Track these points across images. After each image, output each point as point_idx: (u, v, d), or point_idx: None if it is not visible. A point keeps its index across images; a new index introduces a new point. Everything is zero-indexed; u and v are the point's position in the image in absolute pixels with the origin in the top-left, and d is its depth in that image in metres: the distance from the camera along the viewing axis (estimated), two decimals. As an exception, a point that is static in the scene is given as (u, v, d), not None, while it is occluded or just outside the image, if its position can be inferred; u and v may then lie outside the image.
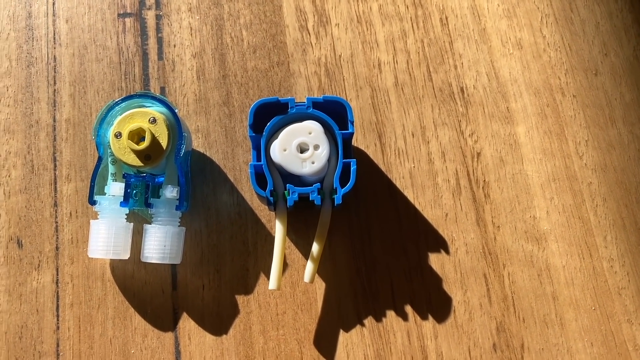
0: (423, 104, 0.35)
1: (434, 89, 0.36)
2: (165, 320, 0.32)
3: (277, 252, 0.30)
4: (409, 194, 0.34)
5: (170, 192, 0.31)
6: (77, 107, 0.35)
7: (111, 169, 0.32)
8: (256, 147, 0.31)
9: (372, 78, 0.36)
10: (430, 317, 0.32)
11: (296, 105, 0.31)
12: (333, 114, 0.31)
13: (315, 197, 0.30)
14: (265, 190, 0.30)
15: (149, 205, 0.31)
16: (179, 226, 0.31)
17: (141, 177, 0.31)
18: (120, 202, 0.31)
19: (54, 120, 0.35)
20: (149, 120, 0.31)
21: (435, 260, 0.33)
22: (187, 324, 0.32)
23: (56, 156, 0.34)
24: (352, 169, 0.30)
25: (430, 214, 0.34)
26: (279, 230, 0.30)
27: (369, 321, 0.32)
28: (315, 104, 0.31)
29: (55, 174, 0.34)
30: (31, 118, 0.35)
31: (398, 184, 0.34)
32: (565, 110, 0.35)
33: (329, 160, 0.30)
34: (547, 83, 0.36)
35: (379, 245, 0.33)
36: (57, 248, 0.33)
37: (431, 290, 0.32)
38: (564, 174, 0.34)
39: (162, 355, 0.31)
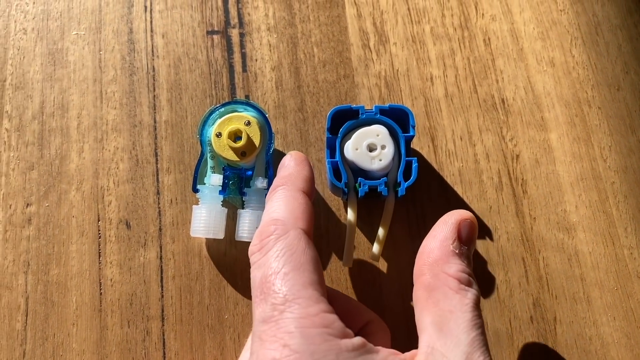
0: (469, 113, 0.41)
1: (478, 99, 0.41)
2: (253, 291, 0.37)
3: (350, 234, 0.36)
4: (458, 189, 0.39)
5: (261, 183, 0.37)
6: (174, 111, 0.41)
7: (210, 163, 0.37)
8: (330, 147, 0.37)
9: (425, 89, 0.41)
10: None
11: (366, 112, 0.36)
12: (396, 119, 0.37)
13: (382, 188, 0.35)
14: (340, 182, 0.35)
15: (242, 193, 0.37)
16: (266, 211, 0.37)
17: (236, 170, 0.37)
18: (219, 191, 0.37)
19: (155, 121, 0.41)
20: (245, 122, 0.36)
21: (481, 245, 0.38)
22: (271, 294, 0.37)
23: (157, 152, 0.40)
24: (413, 165, 0.35)
25: (476, 206, 0.39)
26: (350, 215, 0.36)
27: (425, 295, 0.37)
28: (382, 111, 0.36)
29: (157, 167, 0.40)
30: (135, 119, 0.41)
31: (449, 180, 0.40)
32: (592, 120, 0.41)
33: (393, 158, 0.36)
34: (575, 96, 0.41)
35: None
36: (160, 229, 0.39)
37: (477, 270, 0.38)
38: (590, 175, 0.40)
39: (251, 319, 0.37)
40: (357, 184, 0.36)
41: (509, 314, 0.37)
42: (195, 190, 0.37)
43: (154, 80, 0.42)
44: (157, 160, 0.40)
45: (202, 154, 0.37)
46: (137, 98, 0.41)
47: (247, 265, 0.37)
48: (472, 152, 0.40)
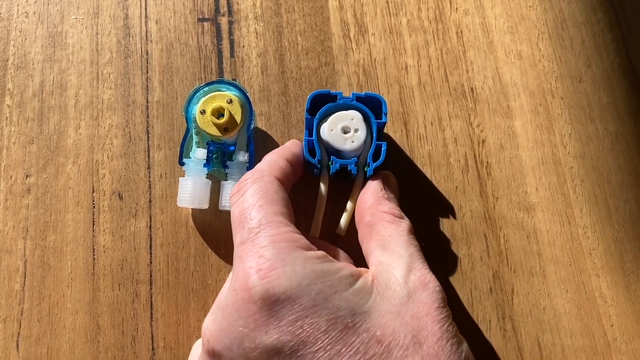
0: (440, 100, 0.44)
1: (449, 88, 0.44)
2: (234, 260, 0.40)
3: (319, 207, 0.37)
4: (427, 171, 0.42)
5: (243, 157, 0.39)
6: (166, 92, 0.44)
7: (195, 138, 0.40)
8: (309, 128, 0.40)
9: (400, 78, 0.44)
10: (441, 266, 0.40)
11: (343, 98, 0.39)
12: (371, 106, 0.39)
13: (352, 167, 0.38)
14: (314, 159, 0.38)
15: (225, 166, 0.40)
16: (248, 186, 0.40)
17: (219, 145, 0.40)
18: (204, 164, 0.39)
19: (147, 101, 0.43)
20: (227, 101, 0.39)
21: (447, 222, 0.41)
22: (251, 263, 0.40)
23: (149, 130, 0.43)
24: (382, 149, 0.38)
25: (443, 186, 0.42)
26: (322, 189, 0.38)
27: (393, 266, 0.40)
28: (358, 98, 0.39)
29: (148, 143, 0.42)
30: (128, 99, 0.43)
31: (419, 163, 0.42)
32: (554, 109, 0.44)
33: (365, 141, 0.38)
34: (540, 87, 0.44)
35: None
36: (150, 201, 0.41)
37: (442, 245, 0.41)
38: (551, 159, 0.43)
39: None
40: (329, 162, 0.38)
41: (470, 285, 0.40)
42: (182, 163, 0.39)
43: (147, 63, 0.44)
44: (148, 137, 0.43)
45: (188, 130, 0.40)
46: (131, 79, 0.44)
47: (230, 235, 0.40)
48: (442, 137, 0.43)
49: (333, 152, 0.39)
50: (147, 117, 0.43)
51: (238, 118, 0.39)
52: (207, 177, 0.40)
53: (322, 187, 0.38)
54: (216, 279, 0.40)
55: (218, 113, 0.39)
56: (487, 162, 0.42)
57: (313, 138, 0.38)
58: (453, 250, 0.40)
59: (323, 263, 0.31)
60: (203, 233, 0.40)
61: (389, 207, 0.36)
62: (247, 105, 0.40)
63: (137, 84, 0.44)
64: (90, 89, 0.44)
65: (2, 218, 0.40)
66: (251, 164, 0.40)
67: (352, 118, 0.38)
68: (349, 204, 0.38)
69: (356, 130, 0.38)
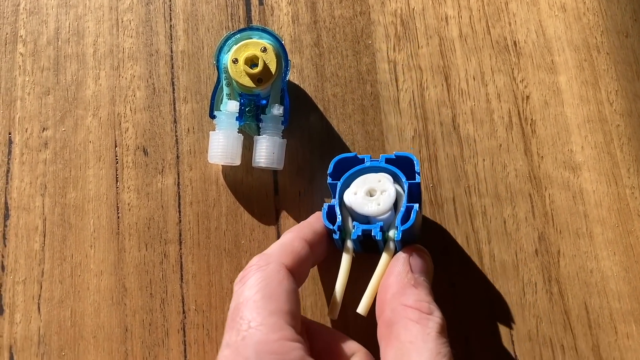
0: (482, 53, 0.41)
1: (491, 41, 0.41)
2: (269, 218, 0.38)
3: (340, 284, 0.32)
4: (469, 128, 0.40)
5: (277, 110, 0.37)
6: (191, 41, 0.40)
7: (226, 90, 0.37)
8: (333, 195, 0.35)
9: (440, 29, 0.41)
10: (485, 226, 0.38)
11: (371, 161, 0.34)
12: (403, 167, 0.34)
13: (377, 232, 0.31)
14: (333, 225, 0.32)
15: (259, 120, 0.37)
16: (282, 138, 0.37)
17: (252, 97, 0.37)
18: (236, 117, 0.37)
19: (171, 51, 0.40)
20: (261, 49, 0.36)
21: (491, 181, 0.39)
22: (287, 221, 0.38)
23: (174, 81, 0.40)
24: (413, 210, 0.31)
25: (487, 144, 0.39)
26: (344, 263, 0.32)
27: (433, 226, 0.38)
28: (388, 160, 0.34)
29: (173, 96, 0.39)
30: (151, 48, 0.40)
31: (461, 119, 0.40)
32: (600, 65, 0.41)
33: (395, 205, 0.32)
34: (585, 42, 0.42)
35: (444, 167, 0.39)
36: (177, 157, 0.38)
37: (486, 204, 0.38)
38: (597, 117, 0.40)
39: (267, 244, 0.37)
40: (352, 228, 0.32)
41: (515, 247, 0.38)
42: (212, 116, 0.37)
43: (170, 10, 0.41)
44: (173, 89, 0.40)
45: (219, 81, 0.37)
46: (153, 27, 0.41)
47: (263, 193, 0.37)
48: (484, 92, 0.40)
49: (361, 219, 0.33)
50: (172, 67, 0.40)
51: (273, 68, 0.36)
52: (238, 132, 0.37)
53: (345, 259, 0.32)
54: (249, 239, 0.37)
55: (251, 62, 0.36)
56: (532, 119, 0.40)
57: (334, 203, 0.33)
58: (497, 209, 0.38)
59: None
60: (235, 191, 0.38)
61: (416, 298, 0.29)
62: (282, 54, 0.37)
63: (160, 32, 0.41)
64: (109, 37, 0.40)
65: (18, 174, 0.37)
66: (286, 118, 0.37)
67: (379, 180, 0.33)
68: (373, 280, 0.31)
69: (382, 193, 0.32)
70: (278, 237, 0.37)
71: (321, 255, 0.34)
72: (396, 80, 0.40)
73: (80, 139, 0.38)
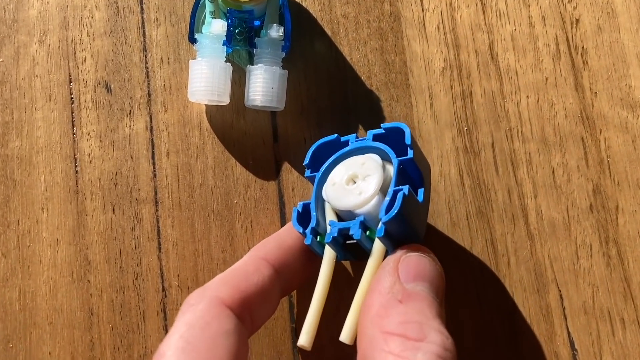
0: (524, -34, 0.33)
1: (534, -49, 0.33)
2: (267, 171, 0.30)
3: (315, 305, 0.24)
4: (510, 57, 0.32)
5: (276, 32, 0.28)
6: (162, -52, 0.32)
7: (209, 6, 0.29)
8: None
9: (472, -64, 0.33)
10: (530, 177, 0.31)
11: (357, 140, 0.26)
12: (395, 142, 0.26)
13: (355, 230, 0.23)
14: (305, 228, 0.25)
15: (252, 45, 0.29)
16: (282, 69, 0.29)
17: (242, 15, 0.29)
18: (223, 41, 0.28)
19: (138, -39, 0.31)
20: None
21: (536, 122, 0.32)
22: (290, 175, 0.30)
23: (142, -1, 0.31)
24: (398, 195, 0.23)
25: (531, 77, 0.32)
26: (321, 278, 0.24)
27: (470, 179, 0.31)
28: (376, 137, 0.26)
29: (142, 17, 0.31)
30: (111, -43, 0.31)
31: (499, 47, 0.32)
32: (662, -18, 0.34)
33: (380, 191, 0.25)
34: (644, -47, 0.34)
35: (481, 105, 0.31)
36: (149, 94, 0.30)
37: (531, 150, 0.31)
38: (659, 45, 0.33)
39: (265, 206, 0.30)
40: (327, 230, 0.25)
41: (566, 202, 0.31)
42: (193, 41, 0.28)
43: None
44: (142, 9, 0.31)
45: None
46: None
47: (260, 140, 0.29)
48: (527, 14, 0.33)
49: (347, 217, 0.25)
50: (139, -19, 0.31)
51: None
52: (225, 61, 0.29)
53: (323, 270, 0.24)
54: (244, 197, 0.30)
55: None
56: (583, 47, 0.33)
57: (311, 201, 0.26)
58: (544, 157, 0.31)
59: None
60: (223, 137, 0.30)
61: (401, 319, 0.21)
62: None
63: (122, -64, 0.31)
64: (57, -59, 0.31)
65: (-56, 117, 0.29)
66: (287, 42, 0.29)
67: (363, 162, 0.25)
68: (356, 297, 0.23)
69: (365, 179, 0.25)
70: (279, 195, 0.30)
71: (297, 279, 0.26)
72: (420, -1, 0.32)
73: (24, 73, 0.30)
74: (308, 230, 0.25)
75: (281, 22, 0.29)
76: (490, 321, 0.30)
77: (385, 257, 0.24)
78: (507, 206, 0.31)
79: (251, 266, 0.24)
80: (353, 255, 0.26)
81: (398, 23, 0.32)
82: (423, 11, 0.32)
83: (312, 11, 0.32)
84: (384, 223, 0.23)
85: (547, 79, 0.32)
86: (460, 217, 0.30)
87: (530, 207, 0.31)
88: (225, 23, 0.28)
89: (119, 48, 0.30)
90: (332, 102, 0.31)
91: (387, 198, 0.24)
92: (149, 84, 0.30)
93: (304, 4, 0.32)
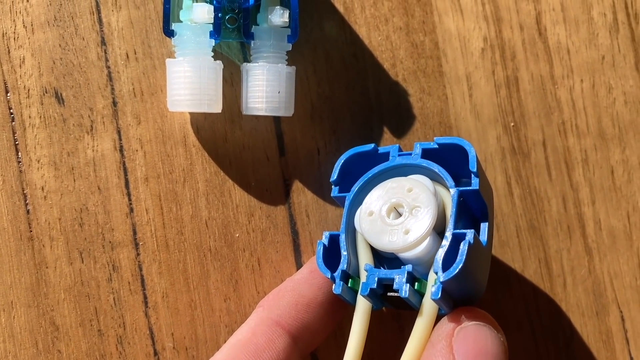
0: None
1: None
2: (274, 194, 0.23)
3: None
4: (560, 32, 0.25)
5: (279, 17, 0.21)
6: None
7: (188, -15, 0.21)
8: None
9: None
10: (587, 180, 0.25)
11: (400, 154, 0.20)
12: (451, 163, 0.20)
13: (400, 285, 0.18)
14: (334, 271, 0.19)
15: (248, 35, 0.21)
16: (289, 65, 0.22)
17: (234, -2, 0.21)
18: (210, 32, 0.21)
19: None
20: None
21: (592, 112, 0.25)
22: (302, 197, 0.23)
23: (93, -28, 0.23)
24: (462, 245, 0.18)
25: (584, 56, 0.25)
26: (353, 332, 0.19)
27: (519, 187, 0.25)
28: (426, 152, 0.20)
29: (96, -2, 0.23)
30: None
31: (547, 19, 0.25)
32: None
33: (431, 230, 0.18)
34: None
35: (529, 94, 0.25)
36: (114, 103, 0.22)
37: (587, 148, 0.25)
38: None
39: (275, 238, 0.23)
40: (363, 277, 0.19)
41: (627, 206, 0.25)
42: (169, 33, 0.21)
43: None
44: (94, -14, 0.23)
45: None
46: None
47: (262, 155, 0.22)
48: (578, -25, 0.26)
49: (389, 257, 0.20)
50: (87, -52, 0.22)
51: None
52: (213, 58, 0.21)
53: (356, 327, 0.19)
54: (247, 229, 0.23)
55: None
56: (644, 15, 0.26)
57: (341, 232, 0.20)
58: (602, 154, 0.25)
59: None
60: (215, 154, 0.23)
61: None
62: None
63: None
64: None
65: None
66: (295, 30, 0.21)
67: (410, 188, 0.19)
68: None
69: (413, 211, 0.19)
70: (291, 222, 0.23)
71: (318, 340, 0.21)
72: (452, -40, 0.25)
73: (-59, 82, 0.21)
74: (337, 274, 0.19)
75: (284, 4, 0.21)
76: (545, 352, 0.24)
77: (436, 321, 0.18)
78: (562, 217, 0.25)
79: (261, 338, 0.19)
80: (392, 303, 0.20)
81: (426, -7, 0.24)
82: (456, -24, 0.25)
83: (317, -19, 0.24)
84: (442, 282, 0.17)
85: (603, 57, 0.26)
86: (509, 234, 0.24)
87: (588, 216, 0.25)
88: (211, 7, 0.21)
89: (68, 42, 0.22)
90: (349, 100, 0.24)
91: (445, 244, 0.18)
92: (112, 88, 0.22)
93: (306, -28, 0.24)
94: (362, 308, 0.19)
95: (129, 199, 0.22)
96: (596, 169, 0.25)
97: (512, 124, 0.25)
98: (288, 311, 0.20)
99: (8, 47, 0.22)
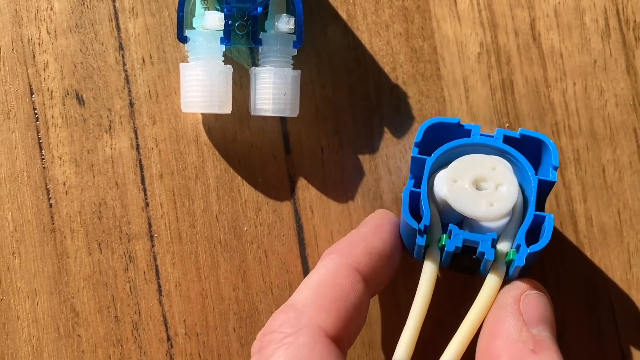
0: None
1: None
2: (280, 190, 0.24)
3: (413, 319, 0.20)
4: (553, 37, 0.26)
5: (285, 24, 0.22)
6: None
7: (200, -6, 0.22)
8: (416, 174, 0.21)
9: None
10: (579, 178, 0.26)
11: (482, 135, 0.21)
12: (529, 152, 0.22)
13: (486, 248, 0.20)
14: (419, 223, 0.20)
15: (257, 41, 0.22)
16: (294, 69, 0.23)
17: (242, 5, 0.22)
18: (220, 38, 0.22)
19: None
20: None
21: (584, 113, 0.26)
22: (307, 194, 0.24)
23: (112, -18, 0.24)
24: (546, 224, 0.20)
25: (577, 60, 0.26)
26: (422, 287, 0.20)
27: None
28: (508, 139, 0.22)
29: (114, 6, 0.24)
30: None
31: (541, 24, 0.26)
32: None
33: (514, 207, 0.21)
34: None
35: (523, 97, 0.26)
36: (131, 104, 0.24)
37: (579, 147, 0.26)
38: None
39: (280, 231, 0.24)
40: (445, 235, 0.21)
41: (618, 203, 0.26)
42: (183, 39, 0.22)
43: None
44: (113, -5, 0.24)
45: None
46: None
47: (268, 155, 0.24)
48: (571, -18, 0.26)
49: (457, 220, 0.21)
50: (106, -41, 0.24)
51: None
52: (224, 62, 0.23)
53: (425, 279, 0.20)
54: (254, 223, 0.24)
55: None
56: (635, 21, 0.27)
57: (420, 189, 0.21)
58: (593, 154, 0.26)
59: None
60: (225, 152, 0.24)
61: None
62: None
63: None
64: None
65: None
66: (300, 36, 0.22)
67: (494, 167, 0.21)
68: (464, 330, 0.20)
69: (498, 187, 0.20)
70: (296, 217, 0.24)
71: (381, 288, 0.22)
72: (450, -31, 0.26)
73: (-29, 84, 0.23)
74: (419, 225, 0.20)
75: (290, 10, 0.22)
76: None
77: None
78: (554, 213, 0.25)
79: (344, 280, 0.19)
80: (457, 265, 0.21)
81: (425, 0, 0.25)
82: (453, -16, 0.26)
83: (324, -12, 0.25)
84: (529, 253, 0.20)
85: (595, 61, 0.26)
86: (503, 230, 0.25)
87: (580, 213, 0.26)
88: (222, 15, 0.22)
89: (89, 46, 0.24)
90: (351, 102, 0.25)
91: (528, 221, 0.20)
92: (129, 91, 0.24)
93: (312, -20, 0.25)
94: (430, 268, 0.20)
95: (145, 194, 0.23)
96: (588, 167, 0.26)
97: (507, 124, 0.26)
98: (363, 259, 0.20)
99: (33, 52, 0.23)
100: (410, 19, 0.25)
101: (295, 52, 0.23)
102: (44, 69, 0.23)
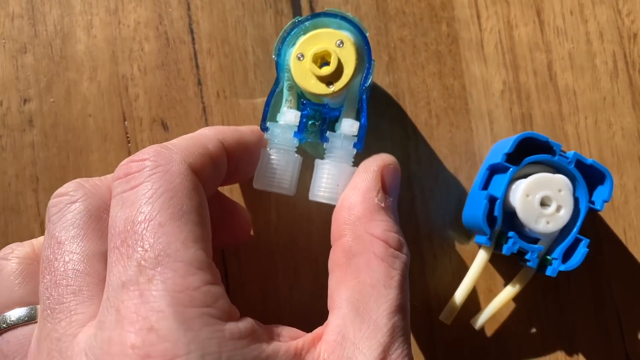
0: (581, -21, 0.30)
1: (591, -38, 0.30)
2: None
3: (464, 286, 0.26)
4: (568, 77, 0.29)
5: (350, 127, 0.25)
6: (210, -29, 0.28)
7: (286, 94, 0.25)
8: (490, 178, 0.26)
9: (528, -52, 0.30)
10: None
11: (560, 154, 0.25)
12: (589, 179, 0.26)
13: (533, 258, 0.25)
14: (492, 229, 0.25)
15: (324, 138, 0.25)
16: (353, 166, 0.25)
17: (318, 107, 0.25)
18: (295, 132, 0.25)
19: (185, -14, 0.28)
20: (336, 43, 0.24)
21: (594, 143, 0.29)
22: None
23: (192, 27, 0.28)
24: (580, 248, 0.25)
25: (589, 97, 0.29)
26: (476, 264, 0.26)
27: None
28: (580, 164, 0.25)
29: (194, 47, 0.28)
30: (157, -18, 0.28)
31: (558, 66, 0.29)
32: None
33: (564, 228, 0.25)
34: (701, -41, 0.31)
35: (540, 128, 0.29)
36: (206, 130, 0.27)
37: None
38: None
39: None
40: (505, 239, 0.25)
41: (624, 223, 0.29)
42: (265, 129, 0.25)
43: None
44: (193, 38, 0.28)
45: (277, 82, 0.25)
46: (157, -47, 0.28)
47: (325, 234, 0.26)
48: (584, 30, 0.30)
49: (509, 224, 0.25)
50: (188, 8, 0.28)
51: (349, 69, 0.24)
52: (296, 152, 0.25)
53: (478, 261, 0.26)
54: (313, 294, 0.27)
55: (322, 60, 0.24)
56: (640, 63, 0.30)
57: (498, 196, 0.24)
58: (601, 179, 0.29)
59: (248, 347, 0.18)
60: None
61: (385, 226, 0.22)
62: (364, 51, 0.24)
63: (166, -41, 0.28)
64: (99, -32, 0.27)
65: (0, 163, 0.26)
66: (361, 140, 0.25)
67: (561, 189, 0.24)
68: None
69: (558, 209, 0.24)
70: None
71: (239, 177, 0.25)
72: (478, 17, 0.29)
73: (77, 113, 0.27)
74: (490, 232, 0.24)
75: (357, 117, 0.25)
76: (551, 346, 0.28)
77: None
78: (567, 231, 0.29)
79: (213, 145, 0.22)
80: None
81: (456, 45, 0.29)
82: (481, 31, 0.29)
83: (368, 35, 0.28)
84: (560, 270, 0.24)
85: (604, 98, 0.30)
86: (522, 244, 0.28)
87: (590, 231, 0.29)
88: (299, 113, 0.25)
89: (172, 81, 0.27)
90: (391, 132, 0.28)
91: (569, 241, 0.25)
92: (206, 119, 0.27)
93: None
94: (482, 257, 0.25)
95: (216, 207, 0.27)
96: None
97: (526, 152, 0.29)
98: (228, 136, 0.23)
99: (127, 86, 0.27)
100: (443, 61, 0.29)
101: (355, 152, 0.25)
102: (135, 100, 0.27)
